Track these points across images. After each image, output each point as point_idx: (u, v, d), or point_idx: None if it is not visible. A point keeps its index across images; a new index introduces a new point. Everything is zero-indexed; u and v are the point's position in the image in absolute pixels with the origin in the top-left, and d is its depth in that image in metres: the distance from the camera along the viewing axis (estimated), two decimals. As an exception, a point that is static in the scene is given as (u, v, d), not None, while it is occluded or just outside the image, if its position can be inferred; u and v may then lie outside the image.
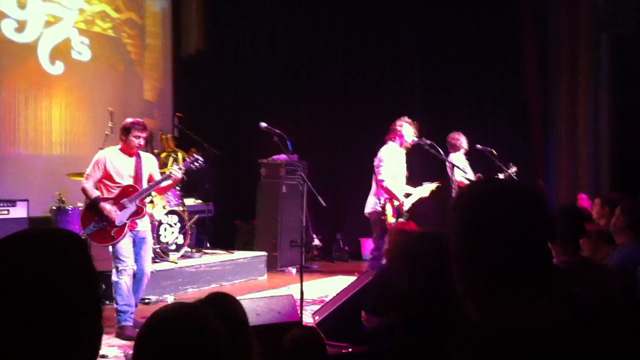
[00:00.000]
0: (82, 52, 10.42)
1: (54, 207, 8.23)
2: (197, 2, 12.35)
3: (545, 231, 1.43)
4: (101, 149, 6.57)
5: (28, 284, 1.15)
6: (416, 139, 7.41)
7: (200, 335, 1.39)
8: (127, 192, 5.88)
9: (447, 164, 8.09)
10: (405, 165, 7.50)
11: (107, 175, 5.87)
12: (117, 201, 5.84)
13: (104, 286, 6.13)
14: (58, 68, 10.04)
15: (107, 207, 5.78)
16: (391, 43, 11.46)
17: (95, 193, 5.84)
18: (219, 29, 12.17)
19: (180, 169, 6.06)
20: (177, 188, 8.36)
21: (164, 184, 6.04)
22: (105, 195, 5.87)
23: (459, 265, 1.43)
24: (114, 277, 5.82)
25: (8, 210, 7.94)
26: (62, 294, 1.17)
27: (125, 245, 5.85)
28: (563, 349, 1.25)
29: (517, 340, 1.25)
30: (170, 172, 5.99)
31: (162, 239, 8.22)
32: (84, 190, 5.94)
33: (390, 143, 7.46)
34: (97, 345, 1.27)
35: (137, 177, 5.96)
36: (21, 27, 9.60)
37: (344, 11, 11.58)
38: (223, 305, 1.54)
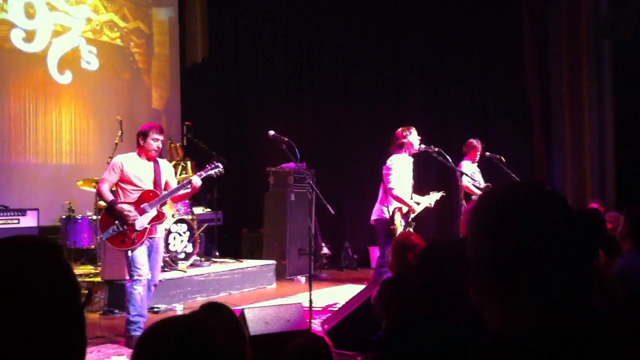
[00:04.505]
0: (90, 61, 10.48)
1: (64, 217, 8.25)
2: (201, 11, 12.42)
3: (590, 245, 1.29)
4: (111, 158, 6.55)
5: None
6: (423, 146, 7.34)
7: (197, 342, 1.40)
8: (147, 196, 5.79)
9: (457, 171, 8.06)
10: (412, 174, 7.44)
11: (125, 179, 5.77)
12: (137, 205, 5.75)
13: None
14: (66, 77, 10.10)
15: (127, 209, 5.70)
16: (393, 51, 11.46)
17: (110, 196, 5.77)
18: (224, 37, 12.24)
19: (200, 175, 5.96)
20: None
21: (183, 191, 5.94)
22: (123, 199, 5.78)
23: (482, 273, 1.32)
24: (128, 286, 5.74)
25: (18, 220, 7.97)
26: (34, 301, 1.17)
27: (141, 254, 5.76)
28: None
29: (544, 349, 1.19)
30: (191, 180, 5.88)
31: (171, 247, 8.21)
32: (99, 193, 5.96)
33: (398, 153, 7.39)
34: (80, 355, 1.26)
35: (157, 182, 5.88)
36: (30, 37, 9.67)
37: (346, 19, 11.61)
38: (217, 313, 1.55)
